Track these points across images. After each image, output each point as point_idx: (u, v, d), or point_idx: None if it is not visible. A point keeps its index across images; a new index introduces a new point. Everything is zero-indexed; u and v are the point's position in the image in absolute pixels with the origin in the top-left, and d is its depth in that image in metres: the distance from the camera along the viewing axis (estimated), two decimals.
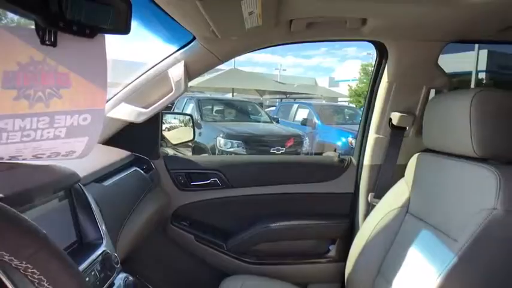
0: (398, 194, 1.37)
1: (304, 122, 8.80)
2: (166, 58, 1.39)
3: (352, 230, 1.59)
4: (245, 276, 1.48)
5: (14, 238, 0.32)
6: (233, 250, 1.58)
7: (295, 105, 10.29)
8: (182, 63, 1.36)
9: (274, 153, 6.14)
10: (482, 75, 12.77)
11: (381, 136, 1.55)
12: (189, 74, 1.40)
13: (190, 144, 6.36)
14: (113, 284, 0.77)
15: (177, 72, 1.38)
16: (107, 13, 0.69)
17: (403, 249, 1.22)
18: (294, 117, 9.65)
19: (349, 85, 22.26)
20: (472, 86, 12.66)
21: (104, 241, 0.80)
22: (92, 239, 0.80)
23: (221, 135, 6.10)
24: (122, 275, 0.80)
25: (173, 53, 1.39)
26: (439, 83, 1.45)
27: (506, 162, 1.01)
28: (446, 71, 1.48)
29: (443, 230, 1.09)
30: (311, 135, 7.95)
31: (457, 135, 1.08)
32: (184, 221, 1.58)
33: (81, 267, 0.69)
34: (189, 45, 1.36)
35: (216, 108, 7.96)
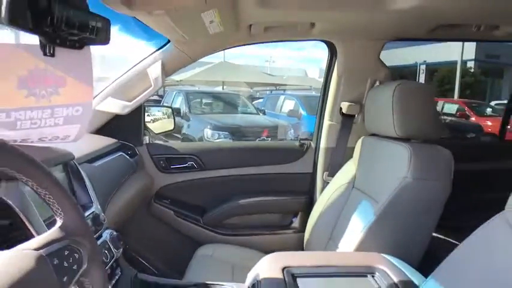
0: (347, 172, 1.61)
1: (290, 113, 8.95)
2: (145, 58, 1.60)
3: (311, 205, 1.84)
4: (217, 244, 1.72)
5: (40, 176, 0.54)
6: (208, 223, 1.82)
7: (282, 97, 10.44)
8: (159, 63, 1.58)
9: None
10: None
11: (333, 123, 1.80)
12: (166, 72, 1.61)
13: (178, 136, 6.57)
14: (100, 236, 1.00)
15: (155, 70, 1.60)
16: (92, 30, 0.92)
17: (348, 218, 1.46)
18: (281, 108, 9.80)
19: None
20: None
21: (93, 205, 1.03)
22: (84, 203, 1.03)
23: (208, 127, 6.30)
24: (108, 231, 1.03)
25: (151, 54, 1.61)
26: (381, 75, 1.69)
27: (419, 141, 1.26)
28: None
29: (373, 196, 1.34)
30: (297, 126, 8.16)
31: (384, 120, 1.32)
32: (166, 199, 1.81)
33: None
34: (165, 47, 1.57)
35: (204, 101, 8.13)
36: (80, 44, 0.91)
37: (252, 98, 14.26)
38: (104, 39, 0.97)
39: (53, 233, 0.54)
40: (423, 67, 15.72)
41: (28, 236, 0.76)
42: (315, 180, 1.87)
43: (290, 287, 0.92)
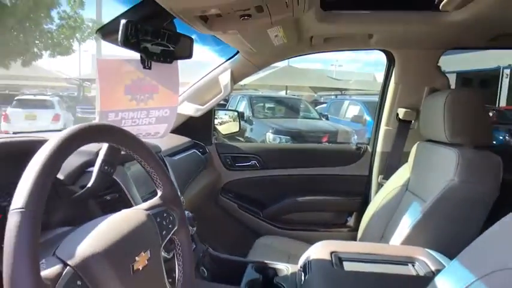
0: (401, 175, 1.69)
1: (355, 119, 8.84)
2: (217, 67, 1.83)
3: (365, 205, 1.93)
4: (276, 236, 1.88)
5: (148, 158, 0.74)
6: (267, 217, 1.99)
7: (346, 102, 10.33)
8: (229, 71, 1.79)
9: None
10: None
11: (390, 128, 1.88)
12: (234, 79, 1.82)
13: (242, 139, 6.86)
14: None
15: (225, 78, 1.81)
16: (180, 49, 1.14)
17: (400, 218, 1.55)
18: (345, 114, 9.71)
19: None
20: None
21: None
22: None
23: (270, 131, 6.51)
24: (185, 211, 1.24)
25: (222, 63, 1.82)
26: (438, 83, 1.74)
27: (468, 146, 1.32)
28: None
29: (423, 197, 1.41)
30: (361, 132, 8.06)
31: (436, 126, 1.39)
32: (230, 193, 2.02)
33: None
34: (234, 57, 1.78)
35: (267, 105, 8.37)
36: (170, 60, 1.13)
37: (316, 103, 14.25)
38: (188, 55, 1.19)
39: (155, 200, 0.74)
40: (507, 71, 14.44)
41: (129, 206, 0.98)
42: (370, 183, 1.96)
43: (336, 267, 1.05)
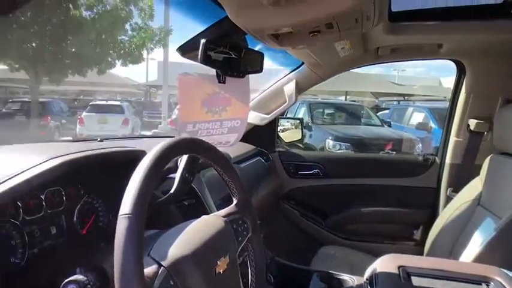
0: (473, 189, 1.61)
1: (419, 126, 8.46)
2: (281, 78, 1.88)
3: (432, 219, 1.86)
4: (338, 247, 1.88)
5: (227, 168, 0.81)
6: (330, 226, 2.00)
7: (410, 109, 9.92)
8: (294, 82, 1.84)
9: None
10: None
11: (460, 139, 1.80)
12: (299, 89, 1.86)
13: (301, 146, 6.86)
14: None
15: (289, 88, 1.86)
16: (252, 64, 1.21)
17: (471, 234, 1.48)
18: (409, 120, 9.33)
19: None
20: None
21: None
22: None
23: (330, 138, 6.44)
24: None
25: (287, 74, 1.88)
26: None
27: None
28: None
29: (497, 214, 1.35)
30: (426, 140, 7.69)
31: None
32: (293, 201, 2.06)
33: None
34: (299, 68, 1.82)
35: (326, 111, 8.29)
36: (243, 74, 1.21)
37: (377, 109, 13.82)
38: (259, 69, 1.26)
39: (232, 207, 0.81)
40: None
41: (205, 211, 1.07)
42: (438, 195, 1.89)
43: (404, 281, 1.04)
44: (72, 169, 0.77)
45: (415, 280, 1.06)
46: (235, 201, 0.82)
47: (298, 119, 2.51)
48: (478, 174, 1.63)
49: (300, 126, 2.39)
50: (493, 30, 1.38)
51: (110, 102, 11.65)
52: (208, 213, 1.07)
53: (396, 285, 1.04)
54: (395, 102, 19.27)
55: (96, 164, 0.83)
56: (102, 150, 0.83)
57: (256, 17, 0.95)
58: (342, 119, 8.09)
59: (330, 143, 6.41)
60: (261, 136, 2.01)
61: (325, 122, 7.82)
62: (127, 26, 9.34)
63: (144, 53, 10.52)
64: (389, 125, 8.69)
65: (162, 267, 0.56)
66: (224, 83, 1.17)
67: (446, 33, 1.46)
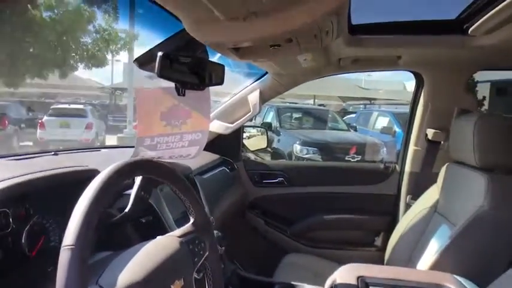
0: (430, 196, 1.67)
1: (384, 130, 8.70)
2: (245, 88, 1.88)
3: (393, 225, 1.91)
4: (302, 254, 1.90)
5: (181, 186, 0.79)
6: (294, 234, 2.01)
7: (375, 113, 10.21)
8: (258, 91, 1.84)
9: (349, 161, 6.33)
10: None
11: (418, 148, 1.86)
12: (263, 99, 1.87)
13: (269, 149, 6.88)
14: None
15: (253, 97, 1.86)
16: (212, 76, 1.20)
17: (428, 240, 1.53)
18: (374, 125, 9.59)
19: None
20: None
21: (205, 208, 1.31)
22: None
23: (298, 142, 6.51)
24: (214, 231, 1.29)
25: (251, 84, 1.88)
26: (467, 104, 1.71)
27: (498, 171, 1.30)
28: None
29: (452, 221, 1.40)
30: (391, 144, 7.93)
31: (466, 149, 1.38)
32: (258, 209, 2.05)
33: None
34: (263, 78, 1.83)
35: (294, 115, 8.39)
36: (203, 87, 1.19)
37: (344, 113, 14.12)
38: (220, 81, 1.24)
39: (188, 226, 0.79)
40: None
41: (163, 228, 1.04)
42: (398, 202, 1.94)
43: None
44: (20, 192, 0.73)
45: None
46: (192, 220, 0.81)
47: (264, 127, 2.52)
48: (435, 182, 1.69)
49: (266, 134, 2.40)
50: (447, 44, 1.44)
51: (72, 106, 11.23)
52: (166, 231, 1.05)
53: None
54: (361, 106, 19.77)
55: (46, 185, 0.79)
56: (52, 172, 0.79)
57: (214, 32, 0.94)
58: (309, 124, 8.21)
59: (297, 147, 6.48)
60: (226, 145, 2.00)
61: (293, 126, 7.90)
62: (90, 28, 9.06)
63: (109, 55, 10.25)
64: (355, 129, 8.90)
65: None
66: (184, 95, 1.15)
67: (403, 46, 1.51)
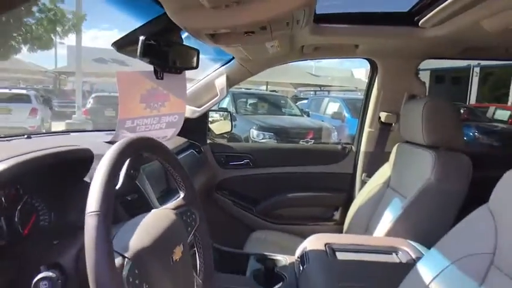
0: (383, 174, 1.85)
1: (335, 116, 9.02)
2: (213, 72, 1.93)
3: (349, 201, 2.08)
4: (268, 231, 2.02)
5: (174, 163, 0.85)
6: (260, 212, 2.12)
7: (326, 99, 10.56)
8: (224, 76, 1.90)
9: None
10: None
11: (372, 130, 2.03)
12: (229, 83, 1.93)
13: (225, 135, 6.92)
14: None
15: (220, 82, 1.92)
16: (188, 60, 1.25)
17: (382, 213, 1.70)
18: (325, 110, 9.92)
19: None
20: None
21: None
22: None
23: (254, 127, 6.62)
24: None
25: (218, 68, 1.93)
26: (416, 90, 1.90)
27: (442, 148, 1.48)
28: None
29: (403, 194, 1.57)
30: (341, 128, 8.28)
31: (416, 130, 1.55)
32: (225, 190, 2.14)
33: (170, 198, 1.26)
34: (230, 63, 1.89)
35: (249, 101, 8.48)
36: (180, 71, 1.24)
37: (296, 99, 14.45)
38: (195, 65, 1.30)
39: (180, 200, 0.86)
40: (477, 69, 14.97)
41: (148, 205, 1.09)
42: (354, 180, 2.12)
43: (330, 257, 1.19)
44: (13, 173, 0.75)
45: (340, 255, 1.22)
46: (182, 195, 0.87)
47: (227, 110, 2.58)
48: (387, 160, 1.87)
49: (230, 118, 2.47)
50: (399, 35, 1.59)
51: (14, 91, 10.47)
52: (151, 208, 1.11)
53: (324, 260, 1.19)
54: (312, 93, 20.27)
55: (39, 166, 0.81)
56: (48, 151, 0.82)
57: (196, 18, 0.99)
58: (264, 109, 8.33)
59: (254, 132, 6.59)
60: (193, 129, 2.04)
61: (248, 112, 7.99)
62: (33, 8, 8.44)
63: (55, 38, 9.63)
64: (308, 115, 9.18)
65: (126, 259, 0.60)
66: (162, 79, 1.19)
67: (361, 35, 1.64)
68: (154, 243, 0.67)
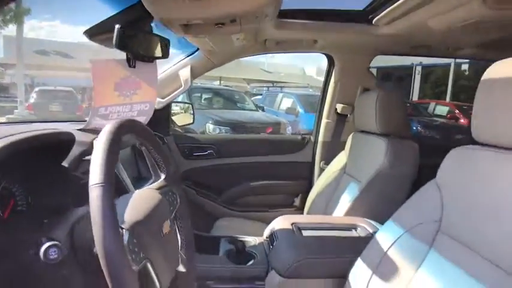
0: (339, 161, 1.98)
1: (289, 111, 9.24)
2: (177, 63, 1.96)
3: (309, 187, 2.21)
4: (232, 218, 2.09)
5: (157, 147, 0.89)
6: (224, 201, 2.18)
7: (280, 95, 10.77)
8: (189, 67, 1.93)
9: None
10: None
11: (329, 121, 2.17)
12: (194, 74, 1.97)
13: (179, 130, 6.85)
14: None
15: (185, 73, 1.95)
16: (160, 50, 1.28)
17: (339, 196, 1.83)
18: (279, 105, 10.12)
19: None
20: None
21: None
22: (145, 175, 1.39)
23: (210, 122, 6.64)
24: None
25: (182, 59, 1.96)
26: (369, 83, 2.06)
27: (393, 136, 1.63)
28: None
29: (359, 179, 1.71)
30: (294, 123, 8.52)
31: (369, 120, 1.69)
32: (189, 181, 2.17)
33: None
34: (194, 54, 1.93)
35: (204, 96, 8.46)
36: (151, 60, 1.27)
37: (250, 94, 14.59)
38: (165, 55, 1.33)
39: (162, 181, 0.90)
40: (419, 68, 16.02)
41: (124, 188, 1.13)
42: (313, 168, 2.24)
43: (297, 234, 1.29)
44: None
45: (305, 232, 1.32)
46: (163, 176, 0.92)
47: (189, 103, 2.60)
48: (343, 148, 2.01)
49: (192, 111, 2.49)
50: (354, 31, 1.72)
51: None
52: (127, 191, 1.14)
53: (292, 237, 1.28)
54: (265, 89, 20.49)
55: (21, 149, 0.82)
56: (28, 134, 0.82)
57: (172, 8, 1.03)
58: (219, 104, 8.35)
59: (210, 126, 6.61)
60: (156, 120, 2.05)
61: (203, 106, 7.98)
62: None
63: None
64: (263, 110, 9.33)
65: (124, 229, 0.64)
66: (134, 67, 1.22)
67: (320, 31, 1.76)
68: (146, 217, 0.72)
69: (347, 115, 2.15)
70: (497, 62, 0.81)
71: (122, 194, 0.84)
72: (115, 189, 1.04)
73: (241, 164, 2.23)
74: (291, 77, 23.44)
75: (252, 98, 11.89)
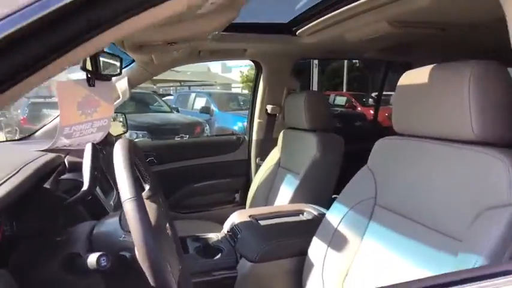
0: (274, 156, 2.21)
1: (203, 110, 9.24)
2: None
3: (248, 183, 2.40)
4: (180, 220, 2.18)
5: (142, 158, 0.99)
6: (170, 205, 2.26)
7: (193, 94, 10.72)
8: (126, 79, 1.97)
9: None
10: None
11: (261, 121, 2.39)
12: (131, 85, 2.01)
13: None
14: None
15: (122, 84, 1.98)
16: (114, 67, 1.35)
17: (278, 188, 2.06)
18: (193, 105, 10.07)
19: (241, 71, 22.43)
20: None
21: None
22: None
23: None
24: None
25: None
26: (292, 85, 2.33)
27: (320, 131, 1.90)
28: None
29: (295, 170, 1.95)
30: (210, 122, 8.61)
31: (298, 117, 1.93)
32: None
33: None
34: (131, 65, 1.97)
35: None
36: (108, 78, 1.34)
37: (159, 95, 14.23)
38: (119, 72, 1.41)
39: (147, 191, 1.01)
40: (316, 62, 17.30)
41: (100, 205, 1.18)
42: (250, 165, 2.45)
43: (256, 223, 1.48)
44: None
45: (262, 222, 1.51)
46: (147, 187, 1.02)
47: (123, 113, 2.59)
48: (276, 144, 2.24)
49: (123, 120, 2.50)
50: (279, 42, 1.95)
51: None
52: (103, 206, 1.21)
53: (254, 227, 1.46)
54: (172, 88, 20.06)
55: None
56: (26, 174, 0.86)
57: (140, 33, 1.12)
58: (132, 108, 8.05)
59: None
60: None
61: (115, 110, 7.63)
62: None
63: None
64: (178, 110, 9.26)
65: None
66: (94, 86, 1.27)
67: (249, 41, 1.95)
68: (156, 222, 0.83)
69: (276, 114, 2.38)
70: (408, 72, 1.08)
71: (99, 210, 0.92)
72: (94, 213, 1.11)
73: (182, 167, 2.33)
74: (197, 76, 23.30)
75: (164, 99, 11.66)
